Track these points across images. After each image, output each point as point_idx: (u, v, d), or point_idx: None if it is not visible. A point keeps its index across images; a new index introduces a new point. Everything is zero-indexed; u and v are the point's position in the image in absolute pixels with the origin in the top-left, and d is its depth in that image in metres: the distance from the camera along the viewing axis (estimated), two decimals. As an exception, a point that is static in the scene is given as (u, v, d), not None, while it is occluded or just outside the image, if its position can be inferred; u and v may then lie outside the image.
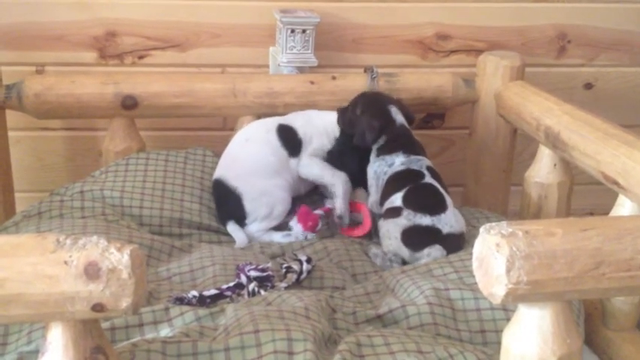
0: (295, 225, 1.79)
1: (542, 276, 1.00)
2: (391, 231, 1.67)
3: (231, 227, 1.80)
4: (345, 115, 1.84)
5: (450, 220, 1.67)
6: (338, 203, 1.81)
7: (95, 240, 0.96)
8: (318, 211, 1.80)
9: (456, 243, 1.67)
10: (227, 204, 1.81)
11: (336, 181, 1.83)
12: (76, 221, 1.64)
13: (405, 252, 1.66)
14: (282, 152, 1.85)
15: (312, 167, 1.85)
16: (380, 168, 1.79)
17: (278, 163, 1.84)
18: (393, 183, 1.74)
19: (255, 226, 1.80)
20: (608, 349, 1.57)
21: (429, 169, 1.76)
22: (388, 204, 1.72)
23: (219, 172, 1.85)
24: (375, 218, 1.78)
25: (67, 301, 0.94)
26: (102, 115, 1.92)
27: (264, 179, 1.81)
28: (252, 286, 1.44)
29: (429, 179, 1.73)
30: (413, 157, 1.77)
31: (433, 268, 1.52)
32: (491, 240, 1.00)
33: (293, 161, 1.86)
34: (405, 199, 1.69)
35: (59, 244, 0.96)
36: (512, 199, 2.09)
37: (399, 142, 1.79)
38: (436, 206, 1.68)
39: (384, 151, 1.80)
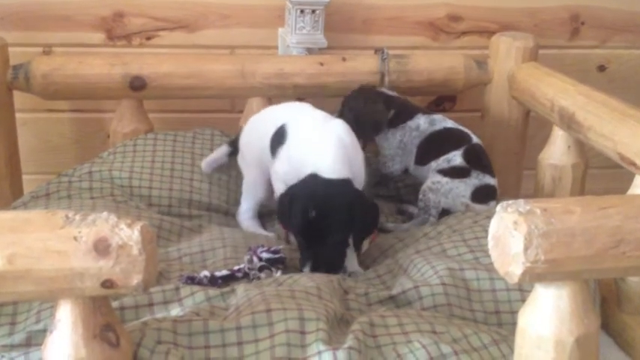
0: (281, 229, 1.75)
1: (560, 254, 0.98)
2: (460, 189, 1.75)
3: None
4: (348, 119, 1.69)
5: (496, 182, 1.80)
6: None
7: (105, 216, 0.95)
8: None
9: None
10: None
11: None
12: (84, 202, 1.63)
13: (472, 206, 1.75)
14: (268, 154, 1.70)
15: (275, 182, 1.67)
16: (406, 136, 1.84)
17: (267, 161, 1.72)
18: (439, 142, 1.82)
19: (242, 207, 1.76)
20: (623, 332, 1.55)
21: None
22: (443, 162, 1.78)
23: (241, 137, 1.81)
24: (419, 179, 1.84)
25: (76, 277, 0.93)
26: (110, 96, 1.90)
27: (253, 167, 1.76)
28: (261, 265, 1.43)
29: (476, 139, 1.82)
30: (434, 117, 1.86)
31: (447, 248, 1.49)
32: (508, 218, 0.98)
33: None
34: (466, 158, 1.78)
35: (68, 220, 0.94)
36: (525, 184, 2.07)
37: (409, 106, 1.88)
38: (492, 168, 1.81)
39: (400, 120, 1.85)
